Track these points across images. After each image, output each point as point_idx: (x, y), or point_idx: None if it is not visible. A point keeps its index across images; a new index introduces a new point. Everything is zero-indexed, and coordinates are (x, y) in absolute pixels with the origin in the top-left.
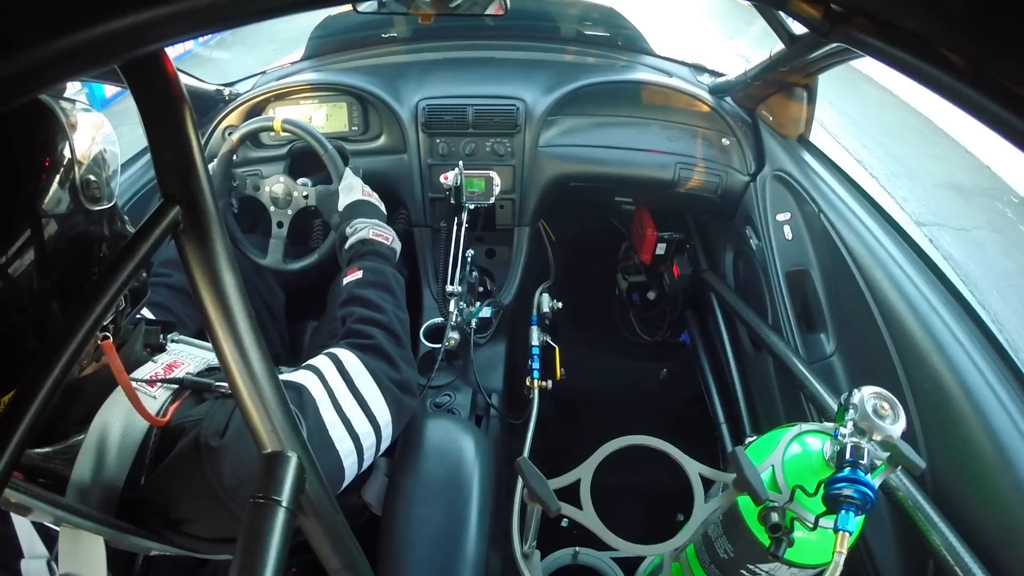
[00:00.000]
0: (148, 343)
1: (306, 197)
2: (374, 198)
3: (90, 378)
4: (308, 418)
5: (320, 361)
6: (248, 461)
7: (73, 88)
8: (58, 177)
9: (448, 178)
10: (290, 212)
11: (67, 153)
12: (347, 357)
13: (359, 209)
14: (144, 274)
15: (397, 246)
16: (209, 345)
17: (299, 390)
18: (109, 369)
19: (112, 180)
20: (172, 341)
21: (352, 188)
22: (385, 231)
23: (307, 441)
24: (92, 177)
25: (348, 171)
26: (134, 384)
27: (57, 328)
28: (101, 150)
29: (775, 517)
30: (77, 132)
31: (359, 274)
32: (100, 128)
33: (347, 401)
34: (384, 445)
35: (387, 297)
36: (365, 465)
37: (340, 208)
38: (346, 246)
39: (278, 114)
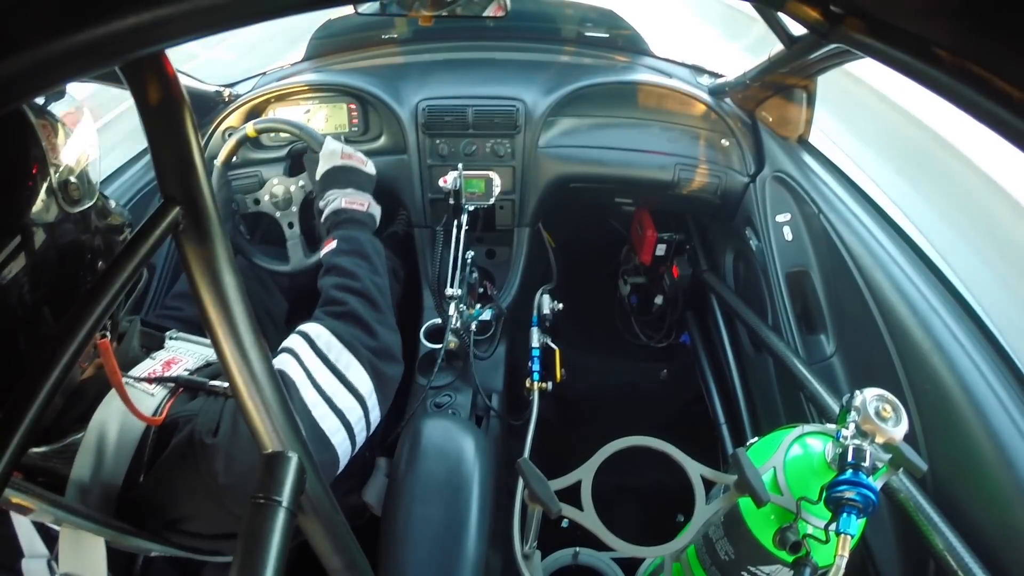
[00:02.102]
0: (146, 345)
1: (302, 186)
2: (355, 159)
3: (88, 377)
4: (293, 402)
5: (293, 341)
6: (241, 459)
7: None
8: (33, 184)
9: (447, 181)
10: (295, 209)
11: (40, 158)
12: (317, 331)
13: (333, 178)
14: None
15: (375, 211)
16: (207, 341)
17: (281, 375)
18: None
19: (92, 172)
20: (170, 338)
21: (333, 153)
22: (359, 197)
23: None
24: (72, 179)
25: (329, 138)
26: (131, 382)
27: (50, 331)
28: (77, 150)
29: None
30: (48, 134)
31: (333, 244)
32: (73, 122)
33: (324, 378)
34: (374, 416)
35: (361, 263)
36: (359, 442)
37: (317, 178)
38: (322, 220)
39: (278, 115)
